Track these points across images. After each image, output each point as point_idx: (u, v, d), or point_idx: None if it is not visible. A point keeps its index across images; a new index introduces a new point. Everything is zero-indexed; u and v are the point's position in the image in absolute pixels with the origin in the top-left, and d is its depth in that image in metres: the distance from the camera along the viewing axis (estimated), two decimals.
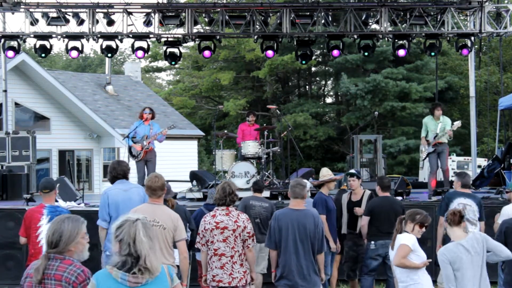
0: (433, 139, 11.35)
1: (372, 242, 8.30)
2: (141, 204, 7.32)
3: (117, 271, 3.66)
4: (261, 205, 8.68)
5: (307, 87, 36.63)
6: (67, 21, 12.68)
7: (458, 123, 11.53)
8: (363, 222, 8.40)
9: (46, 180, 7.30)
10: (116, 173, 7.35)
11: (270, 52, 13.11)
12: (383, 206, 8.37)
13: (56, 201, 7.17)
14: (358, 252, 8.80)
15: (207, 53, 13.13)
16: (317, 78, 37.08)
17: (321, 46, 29.12)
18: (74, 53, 12.88)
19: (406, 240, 6.18)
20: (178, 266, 6.46)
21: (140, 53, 12.97)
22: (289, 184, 6.78)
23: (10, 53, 13.02)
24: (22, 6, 12.77)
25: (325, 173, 8.74)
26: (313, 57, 30.86)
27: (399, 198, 10.85)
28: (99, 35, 12.82)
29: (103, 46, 12.96)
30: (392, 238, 8.38)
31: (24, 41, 13.29)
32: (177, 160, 23.66)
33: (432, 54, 13.39)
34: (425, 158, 11.70)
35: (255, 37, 13.40)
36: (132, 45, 12.99)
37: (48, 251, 4.11)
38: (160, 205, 6.31)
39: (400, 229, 6.28)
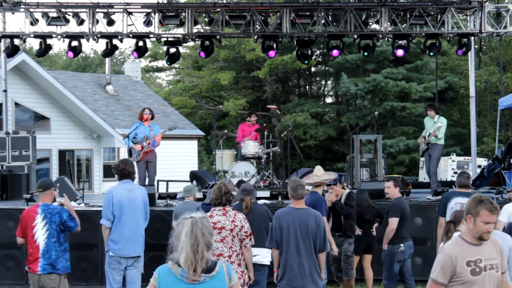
0: (427, 138, 11.79)
1: (402, 245, 8.21)
2: (143, 204, 7.48)
3: (177, 268, 3.72)
4: None
5: (307, 87, 36.64)
6: (67, 21, 12.68)
7: (437, 126, 11.66)
8: (394, 225, 8.15)
9: (42, 180, 7.35)
10: (123, 172, 7.53)
11: (272, 53, 13.06)
12: (407, 207, 8.37)
13: (54, 200, 7.18)
14: (341, 253, 8.75)
15: (202, 53, 13.19)
16: (317, 78, 37.08)
17: (321, 46, 29.13)
18: (71, 54, 12.89)
19: None
20: None
21: (135, 53, 13.06)
22: (288, 185, 6.74)
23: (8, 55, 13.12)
24: (22, 6, 12.76)
25: (319, 172, 8.63)
26: (313, 57, 30.97)
27: None
28: (99, 35, 12.82)
29: (102, 51, 13.07)
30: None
31: (24, 41, 13.28)
32: (177, 160, 23.66)
33: (432, 54, 13.38)
34: (421, 155, 12.21)
35: (255, 37, 13.40)
36: (136, 45, 13.01)
37: None
38: None
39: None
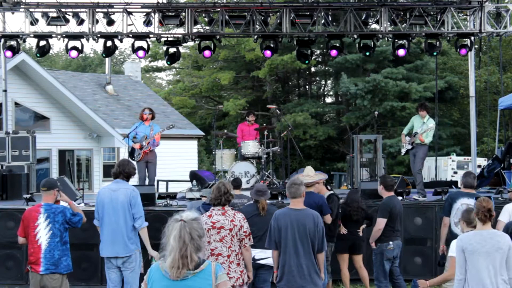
0: (413, 137, 11.45)
1: (391, 243, 8.19)
2: (126, 205, 7.36)
3: (163, 264, 3.84)
4: (241, 202, 8.61)
5: (307, 87, 36.62)
6: (67, 21, 12.68)
7: (428, 127, 11.35)
8: (381, 225, 8.15)
9: (47, 179, 7.36)
10: (114, 171, 7.57)
11: (268, 52, 13.08)
12: (396, 206, 8.29)
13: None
14: None
15: (207, 53, 13.10)
16: (317, 78, 37.07)
17: (321, 46, 29.12)
18: (73, 53, 12.88)
19: None
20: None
21: (140, 53, 12.95)
22: (285, 185, 6.76)
23: (8, 53, 13.02)
24: (22, 6, 12.76)
25: (311, 173, 8.62)
26: (313, 57, 31.06)
27: (399, 198, 10.85)
28: (99, 35, 12.82)
29: (103, 49, 13.02)
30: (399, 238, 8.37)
31: (24, 41, 13.27)
32: (177, 160, 23.67)
33: (435, 54, 13.33)
34: (404, 154, 11.87)
35: (255, 37, 13.40)
36: (132, 45, 12.98)
37: None
38: None
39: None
